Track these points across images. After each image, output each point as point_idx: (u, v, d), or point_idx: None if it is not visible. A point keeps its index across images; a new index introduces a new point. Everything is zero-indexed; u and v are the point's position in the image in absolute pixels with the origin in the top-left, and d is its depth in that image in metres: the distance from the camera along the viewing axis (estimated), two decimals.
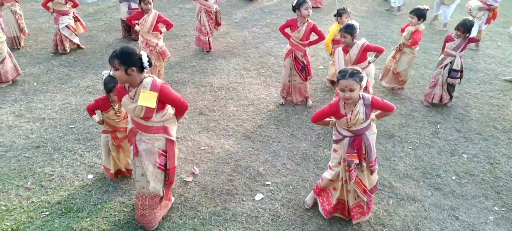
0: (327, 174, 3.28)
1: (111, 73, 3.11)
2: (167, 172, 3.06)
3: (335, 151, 3.15)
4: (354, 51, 4.41)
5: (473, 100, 5.64)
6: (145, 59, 2.72)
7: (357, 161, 3.01)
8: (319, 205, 3.43)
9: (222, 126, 4.70)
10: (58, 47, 6.33)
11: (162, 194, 3.15)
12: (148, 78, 2.79)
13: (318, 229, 3.32)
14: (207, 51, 6.74)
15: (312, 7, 9.80)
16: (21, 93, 5.21)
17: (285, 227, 3.32)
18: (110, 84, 3.26)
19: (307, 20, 4.70)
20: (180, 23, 8.02)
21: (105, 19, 8.12)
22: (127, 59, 2.65)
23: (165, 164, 3.03)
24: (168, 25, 5.27)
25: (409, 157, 4.33)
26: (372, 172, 3.14)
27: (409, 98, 5.56)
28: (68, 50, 6.42)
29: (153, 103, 2.74)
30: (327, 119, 3.11)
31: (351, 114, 2.86)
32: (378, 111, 3.09)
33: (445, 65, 5.12)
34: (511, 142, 4.71)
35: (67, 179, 3.70)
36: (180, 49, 6.86)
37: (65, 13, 6.21)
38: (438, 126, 4.93)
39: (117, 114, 3.42)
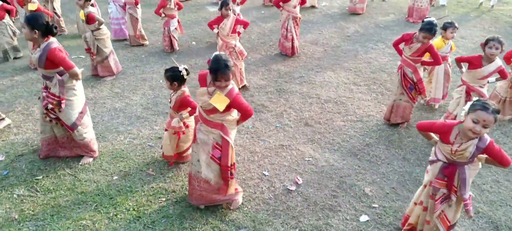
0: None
1: (182, 68, 3.61)
2: (222, 168, 3.21)
3: (427, 172, 2.89)
4: (490, 69, 4.12)
5: None
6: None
7: (444, 191, 2.71)
8: None
9: (327, 139, 4.62)
10: (168, 48, 7.24)
11: (216, 185, 3.29)
12: (229, 85, 2.98)
13: None
14: (289, 56, 7.02)
15: (351, 13, 9.51)
16: (149, 88, 5.86)
17: None
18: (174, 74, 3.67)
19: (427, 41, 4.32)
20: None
21: None
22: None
23: (219, 158, 3.17)
24: (245, 25, 5.71)
25: None
26: (468, 212, 2.76)
27: None
28: (177, 49, 7.24)
29: (222, 107, 2.94)
30: (432, 134, 2.88)
31: (458, 147, 2.56)
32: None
33: None
34: None
35: (183, 170, 4.02)
36: (290, 59, 6.96)
37: (173, 17, 6.99)
38: None
39: (169, 100, 3.83)
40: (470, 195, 2.75)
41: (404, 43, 4.54)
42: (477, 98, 2.67)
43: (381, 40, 7.88)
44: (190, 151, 4.12)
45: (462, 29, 8.33)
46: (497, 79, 4.38)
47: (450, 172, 2.70)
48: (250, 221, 3.39)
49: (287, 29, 6.84)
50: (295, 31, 6.88)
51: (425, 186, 2.93)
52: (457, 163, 2.67)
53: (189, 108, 3.81)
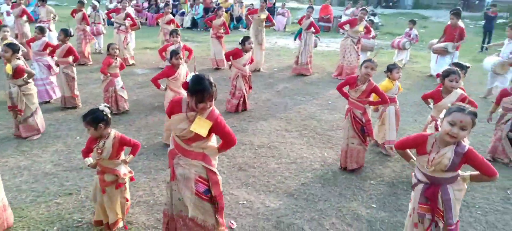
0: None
1: (103, 107, 3.15)
2: (214, 199, 2.89)
3: (411, 200, 2.71)
4: (451, 100, 4.06)
5: None
6: None
7: (429, 216, 2.51)
8: None
9: (262, 182, 4.35)
10: (112, 108, 6.41)
11: (203, 223, 2.91)
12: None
13: None
14: (235, 112, 6.76)
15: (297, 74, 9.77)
16: (63, 145, 5.22)
17: None
18: (96, 116, 3.14)
19: (370, 80, 4.35)
20: (220, 87, 8.11)
21: (152, 87, 8.37)
22: None
23: (206, 191, 2.85)
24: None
25: (479, 222, 3.70)
26: None
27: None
28: (126, 109, 6.60)
29: (205, 132, 2.67)
30: (409, 154, 2.75)
31: (436, 154, 2.43)
32: (476, 172, 2.55)
33: (507, 121, 4.80)
34: None
35: (96, 227, 3.42)
36: (221, 112, 6.78)
37: (117, 75, 6.46)
38: (508, 192, 4.28)
39: (98, 152, 3.19)
40: (457, 221, 2.55)
41: (348, 86, 4.49)
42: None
43: (308, 94, 8.13)
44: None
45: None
46: None
47: (432, 193, 2.51)
48: None
49: (236, 87, 6.68)
50: (246, 89, 6.75)
51: (410, 215, 2.71)
52: (438, 181, 2.50)
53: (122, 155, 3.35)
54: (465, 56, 13.80)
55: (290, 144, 5.45)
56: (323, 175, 4.56)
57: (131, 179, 3.46)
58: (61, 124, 6.04)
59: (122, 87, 6.55)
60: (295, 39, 11.38)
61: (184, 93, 5.08)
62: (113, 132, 3.26)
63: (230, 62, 6.73)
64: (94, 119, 3.12)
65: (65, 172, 4.44)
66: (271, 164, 4.81)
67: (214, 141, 2.89)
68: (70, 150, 5.06)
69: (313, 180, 4.45)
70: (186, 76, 5.18)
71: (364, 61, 4.38)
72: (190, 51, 7.35)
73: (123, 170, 3.31)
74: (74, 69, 6.72)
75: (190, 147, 2.76)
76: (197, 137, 2.70)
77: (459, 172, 2.52)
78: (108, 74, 6.35)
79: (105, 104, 3.24)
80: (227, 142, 2.87)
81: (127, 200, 3.43)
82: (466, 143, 2.58)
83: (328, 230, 3.51)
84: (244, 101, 6.84)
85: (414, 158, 2.72)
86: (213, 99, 2.65)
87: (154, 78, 5.38)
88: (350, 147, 4.54)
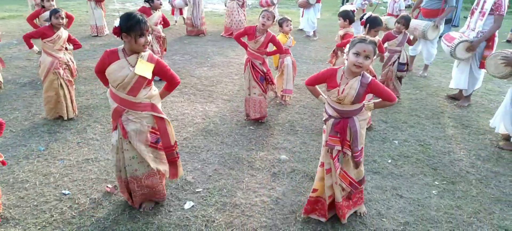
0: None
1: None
2: (165, 151, 2.86)
3: (324, 131, 2.83)
4: None
5: None
6: None
7: (339, 147, 2.68)
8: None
9: None
10: None
11: (163, 174, 3.00)
12: (146, 51, 2.71)
13: (259, 228, 2.90)
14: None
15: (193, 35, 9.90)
16: None
17: None
18: None
19: (268, 31, 4.34)
20: (85, 50, 7.38)
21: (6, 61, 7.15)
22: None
23: (159, 140, 2.83)
24: (77, 45, 4.83)
25: None
26: (357, 164, 2.77)
27: None
28: None
29: (149, 74, 2.65)
30: (318, 90, 2.90)
31: (345, 86, 2.57)
32: (378, 100, 2.75)
33: (394, 62, 5.35)
34: (435, 127, 4.84)
35: None
36: (89, 77, 6.21)
37: None
38: (372, 123, 4.92)
39: None
40: (361, 148, 2.73)
41: (247, 37, 4.40)
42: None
43: (187, 53, 7.96)
44: None
45: None
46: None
47: (341, 127, 2.64)
48: None
49: (153, 51, 5.96)
50: (161, 51, 6.10)
51: (324, 146, 2.79)
52: (346, 113, 2.63)
53: None
54: (329, 11, 15.20)
55: (170, 102, 5.28)
56: (205, 128, 4.56)
57: (3, 163, 2.92)
58: None
59: None
60: (169, 1, 10.99)
61: (62, 57, 4.50)
62: None
63: None
64: None
65: None
66: None
67: (155, 89, 2.85)
68: None
69: (195, 133, 4.41)
70: (66, 41, 4.55)
71: (262, 11, 4.36)
72: (70, 18, 6.45)
73: None
74: None
75: (137, 99, 2.68)
76: (140, 84, 2.64)
77: (364, 102, 2.76)
78: None
79: None
80: (171, 83, 2.88)
81: None
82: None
83: (210, 176, 3.55)
84: None
85: (323, 94, 2.90)
86: (149, 33, 2.64)
87: (27, 35, 4.51)
88: (252, 96, 4.58)
